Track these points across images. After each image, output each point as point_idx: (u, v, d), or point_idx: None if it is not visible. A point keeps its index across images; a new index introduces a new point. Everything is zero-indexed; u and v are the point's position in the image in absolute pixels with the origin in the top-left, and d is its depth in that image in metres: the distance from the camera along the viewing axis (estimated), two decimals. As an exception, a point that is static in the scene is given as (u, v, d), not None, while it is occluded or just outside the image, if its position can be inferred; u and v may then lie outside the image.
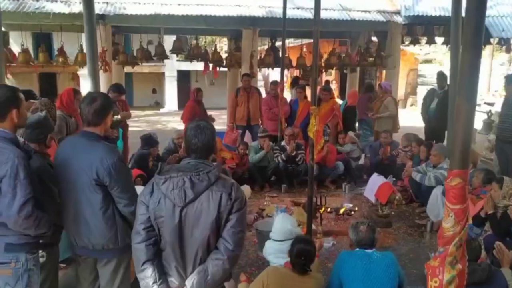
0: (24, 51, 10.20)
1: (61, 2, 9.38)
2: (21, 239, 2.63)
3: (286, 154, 7.56)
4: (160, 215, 2.29)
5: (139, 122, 17.33)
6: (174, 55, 16.04)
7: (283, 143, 7.80)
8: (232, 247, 2.29)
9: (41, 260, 3.21)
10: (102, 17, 9.72)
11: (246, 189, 6.42)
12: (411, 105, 22.12)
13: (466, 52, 1.91)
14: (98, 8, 9.40)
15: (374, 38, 12.40)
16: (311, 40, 14.57)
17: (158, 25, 10.09)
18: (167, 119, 18.11)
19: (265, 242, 4.90)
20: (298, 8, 10.13)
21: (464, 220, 1.69)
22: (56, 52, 11.10)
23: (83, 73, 14.39)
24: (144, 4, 9.77)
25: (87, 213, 2.77)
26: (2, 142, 2.55)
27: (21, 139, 2.76)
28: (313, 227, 5.33)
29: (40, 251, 3.18)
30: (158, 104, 24.03)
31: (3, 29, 11.92)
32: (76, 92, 5.59)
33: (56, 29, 10.62)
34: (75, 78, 20.25)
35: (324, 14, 10.25)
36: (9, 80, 19.04)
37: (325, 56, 11.74)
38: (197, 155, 2.37)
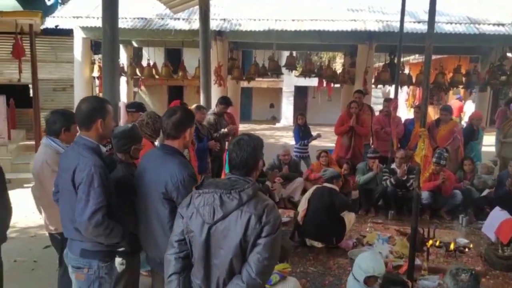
0: (149, 65, 11.02)
1: (183, 19, 9.95)
2: (95, 246, 2.67)
3: (396, 177, 6.99)
4: (191, 230, 2.22)
5: (254, 136, 17.68)
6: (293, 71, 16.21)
7: (393, 165, 7.25)
8: (254, 274, 2.09)
9: (121, 267, 3.28)
10: (220, 33, 10.09)
11: (350, 216, 6.03)
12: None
13: None
14: (216, 24, 9.79)
15: (510, 54, 11.08)
16: (436, 56, 13.69)
17: (272, 40, 10.16)
18: (281, 134, 18.21)
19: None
20: (418, 22, 9.46)
21: None
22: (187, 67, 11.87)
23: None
24: (259, 20, 9.93)
25: (155, 227, 2.75)
26: (84, 150, 2.63)
27: (103, 149, 2.82)
28: (418, 262, 4.80)
29: (120, 259, 3.26)
30: (275, 119, 24.38)
31: (135, 45, 13.19)
32: (182, 104, 5.76)
33: (178, 45, 11.35)
34: (199, 91, 21.49)
35: (448, 28, 9.51)
36: (142, 92, 21.01)
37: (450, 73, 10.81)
38: (236, 172, 2.27)
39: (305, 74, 11.26)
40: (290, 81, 21.91)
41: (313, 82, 15.78)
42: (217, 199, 2.14)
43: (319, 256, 5.30)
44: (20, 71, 10.43)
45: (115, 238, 2.67)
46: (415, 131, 7.85)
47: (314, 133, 9.14)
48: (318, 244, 5.42)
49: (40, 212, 3.77)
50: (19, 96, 11.13)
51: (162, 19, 10.07)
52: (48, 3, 10.99)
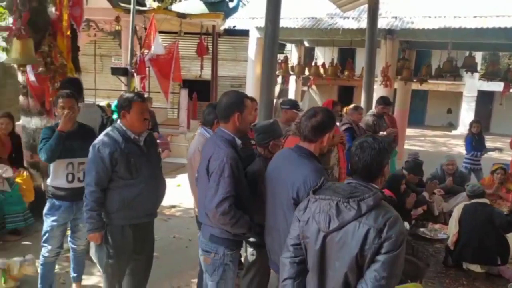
0: (316, 65, 11.17)
1: (352, 18, 9.77)
2: (223, 233, 2.78)
3: None
4: (306, 236, 2.10)
5: (424, 142, 16.55)
6: (476, 74, 14.66)
7: None
8: None
9: (252, 258, 3.40)
10: (390, 32, 9.62)
11: None
12: None
13: None
14: (386, 23, 9.38)
15: None
16: None
17: (448, 39, 9.28)
18: (456, 142, 16.54)
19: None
20: None
21: None
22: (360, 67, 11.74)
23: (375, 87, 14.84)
24: (434, 17, 9.16)
25: (281, 229, 2.66)
26: (221, 142, 2.77)
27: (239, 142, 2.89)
28: None
29: (252, 249, 3.38)
30: (451, 126, 22.41)
31: (307, 44, 13.48)
32: (335, 103, 5.67)
33: (347, 45, 11.25)
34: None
35: None
36: (312, 91, 21.45)
37: None
38: (357, 177, 2.11)
39: (487, 77, 10.08)
40: (472, 85, 19.88)
41: (501, 87, 14.05)
42: (333, 207, 1.99)
43: (475, 282, 4.69)
44: (201, 68, 11.60)
45: (241, 229, 2.74)
46: None
47: (493, 145, 8.15)
48: (476, 268, 4.81)
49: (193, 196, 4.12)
50: (202, 90, 12.35)
51: (332, 18, 10.03)
52: (231, 5, 11.98)
